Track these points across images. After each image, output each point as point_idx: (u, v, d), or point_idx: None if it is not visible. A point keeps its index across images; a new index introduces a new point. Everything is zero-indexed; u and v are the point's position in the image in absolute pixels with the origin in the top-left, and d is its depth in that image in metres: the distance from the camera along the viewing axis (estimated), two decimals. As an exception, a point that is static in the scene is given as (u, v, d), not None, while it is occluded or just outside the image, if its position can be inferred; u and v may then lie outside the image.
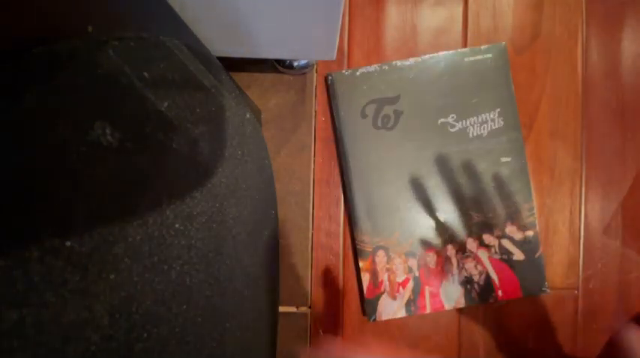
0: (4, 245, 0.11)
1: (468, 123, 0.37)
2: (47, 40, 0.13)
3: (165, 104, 0.17)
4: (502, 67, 0.38)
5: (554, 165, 0.39)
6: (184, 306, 0.17)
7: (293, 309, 0.37)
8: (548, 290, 0.38)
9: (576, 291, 0.38)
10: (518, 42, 0.39)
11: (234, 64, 0.36)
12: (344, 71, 0.38)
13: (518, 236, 0.37)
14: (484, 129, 0.38)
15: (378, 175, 0.37)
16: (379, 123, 0.37)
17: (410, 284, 0.37)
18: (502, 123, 0.38)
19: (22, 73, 0.13)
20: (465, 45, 0.39)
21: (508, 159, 0.38)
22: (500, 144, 0.38)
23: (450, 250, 0.37)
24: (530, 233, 0.37)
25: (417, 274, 0.37)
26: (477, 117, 0.38)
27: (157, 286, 0.15)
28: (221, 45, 0.27)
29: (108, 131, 0.14)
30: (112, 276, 0.13)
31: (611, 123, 0.40)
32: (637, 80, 0.40)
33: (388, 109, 0.37)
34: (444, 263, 0.37)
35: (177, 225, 0.16)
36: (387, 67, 0.37)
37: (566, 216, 0.39)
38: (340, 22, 0.26)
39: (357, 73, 0.37)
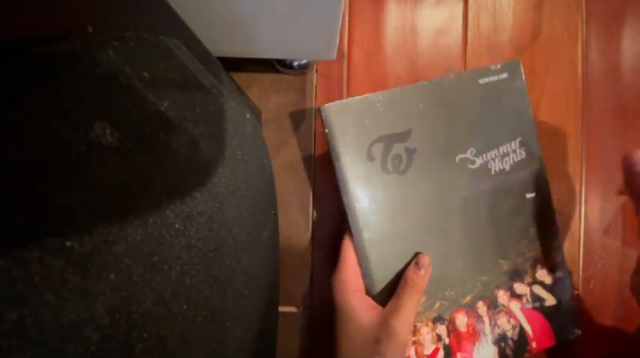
0: (4, 245, 0.11)
1: (488, 157, 0.33)
2: (47, 40, 0.13)
3: (165, 104, 0.17)
4: (519, 88, 0.34)
5: (554, 165, 0.39)
6: (184, 306, 0.17)
7: (293, 309, 0.37)
8: (580, 332, 0.35)
9: (576, 291, 0.38)
10: (518, 42, 0.39)
11: (234, 64, 0.36)
12: (339, 103, 0.30)
13: (548, 280, 0.34)
14: (506, 162, 0.33)
15: (394, 236, 0.31)
16: (389, 167, 0.31)
17: (440, 355, 0.32)
18: (524, 154, 0.33)
19: (22, 73, 0.13)
20: (465, 45, 0.39)
21: (532, 194, 0.34)
22: (523, 180, 0.34)
23: (481, 307, 0.33)
24: (560, 274, 0.34)
25: (447, 342, 0.32)
26: (498, 149, 0.33)
27: (157, 286, 0.15)
28: (221, 45, 0.27)
29: (108, 131, 0.14)
30: (112, 276, 0.13)
31: (611, 123, 0.40)
32: (637, 80, 0.40)
33: (398, 148, 0.31)
34: (475, 323, 0.33)
35: (177, 225, 0.16)
36: (389, 96, 0.31)
37: (566, 215, 0.39)
38: (340, 22, 0.26)
39: (356, 104, 0.31)
